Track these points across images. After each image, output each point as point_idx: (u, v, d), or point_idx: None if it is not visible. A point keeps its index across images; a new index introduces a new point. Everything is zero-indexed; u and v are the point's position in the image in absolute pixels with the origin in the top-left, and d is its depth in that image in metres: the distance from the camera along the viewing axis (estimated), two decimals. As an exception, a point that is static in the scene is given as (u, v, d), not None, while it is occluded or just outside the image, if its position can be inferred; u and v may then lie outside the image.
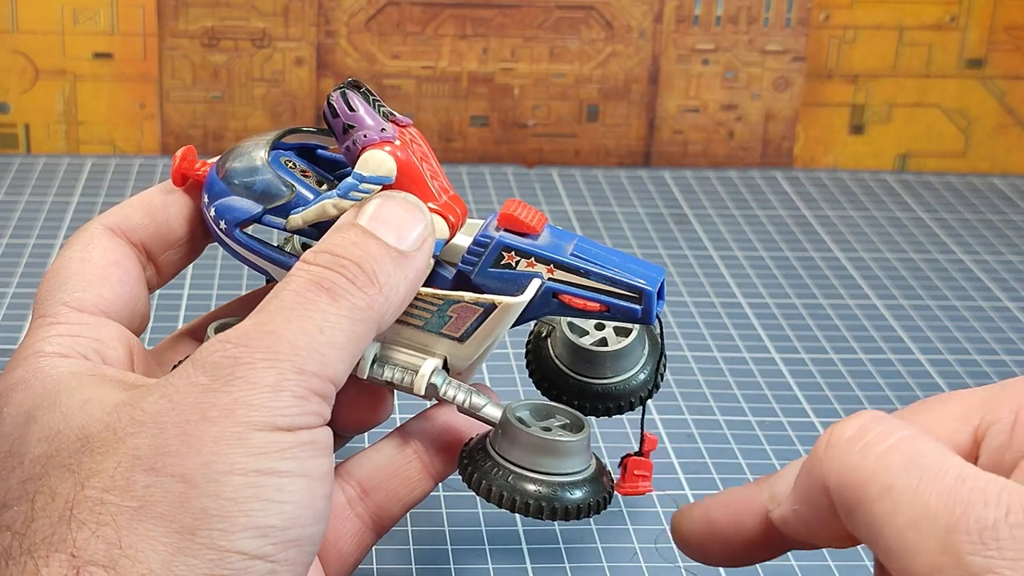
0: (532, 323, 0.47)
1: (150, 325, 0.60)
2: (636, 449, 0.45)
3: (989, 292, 0.77)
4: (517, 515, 0.54)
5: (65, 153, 0.91)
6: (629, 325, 0.46)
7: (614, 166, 0.94)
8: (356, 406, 0.43)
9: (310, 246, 0.43)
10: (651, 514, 0.55)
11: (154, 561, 0.34)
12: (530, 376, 0.47)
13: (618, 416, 0.47)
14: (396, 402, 0.57)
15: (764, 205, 0.89)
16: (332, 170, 0.45)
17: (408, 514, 0.54)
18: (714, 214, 0.87)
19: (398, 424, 0.46)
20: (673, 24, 0.92)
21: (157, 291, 0.68)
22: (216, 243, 0.44)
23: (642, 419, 0.45)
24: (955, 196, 0.92)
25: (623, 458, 0.45)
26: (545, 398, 0.46)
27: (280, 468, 0.35)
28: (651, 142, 0.94)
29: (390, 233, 0.40)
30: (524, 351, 0.47)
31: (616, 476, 0.45)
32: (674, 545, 0.49)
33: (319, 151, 0.45)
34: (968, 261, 0.81)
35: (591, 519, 0.54)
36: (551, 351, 0.47)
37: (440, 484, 0.55)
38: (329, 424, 0.38)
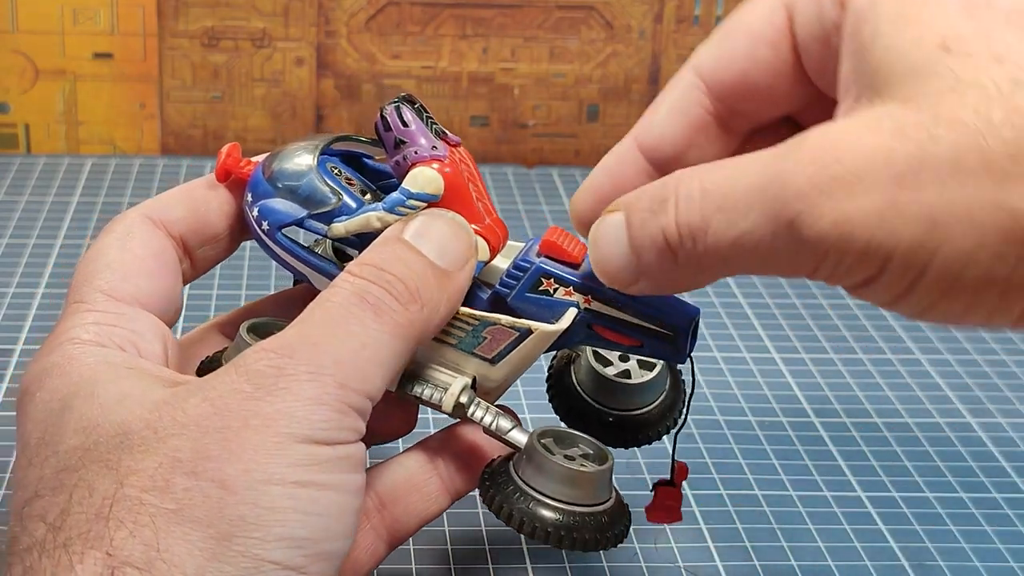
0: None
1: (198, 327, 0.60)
2: (668, 478, 0.45)
3: (989, 292, 0.77)
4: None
5: (65, 153, 0.91)
6: (653, 360, 0.46)
7: (614, 166, 0.94)
8: (384, 418, 0.43)
9: (342, 251, 0.43)
10: (651, 514, 0.55)
11: (189, 566, 0.34)
12: (550, 400, 0.47)
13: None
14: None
15: (764, 205, 0.88)
16: (377, 180, 0.45)
17: (408, 514, 0.54)
18: (714, 214, 0.87)
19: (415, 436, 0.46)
20: (673, 24, 0.92)
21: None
22: (253, 241, 0.44)
23: (673, 448, 0.45)
24: (955, 196, 0.92)
25: (655, 485, 0.45)
26: (566, 426, 0.46)
27: (317, 481, 0.35)
28: (651, 142, 0.94)
29: (434, 251, 0.40)
30: (546, 375, 0.47)
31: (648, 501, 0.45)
32: (673, 545, 0.49)
33: (365, 160, 0.45)
34: None
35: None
36: (574, 378, 0.46)
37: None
38: None
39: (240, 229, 0.44)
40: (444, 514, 0.54)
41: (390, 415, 0.44)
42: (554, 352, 0.47)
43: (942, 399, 0.65)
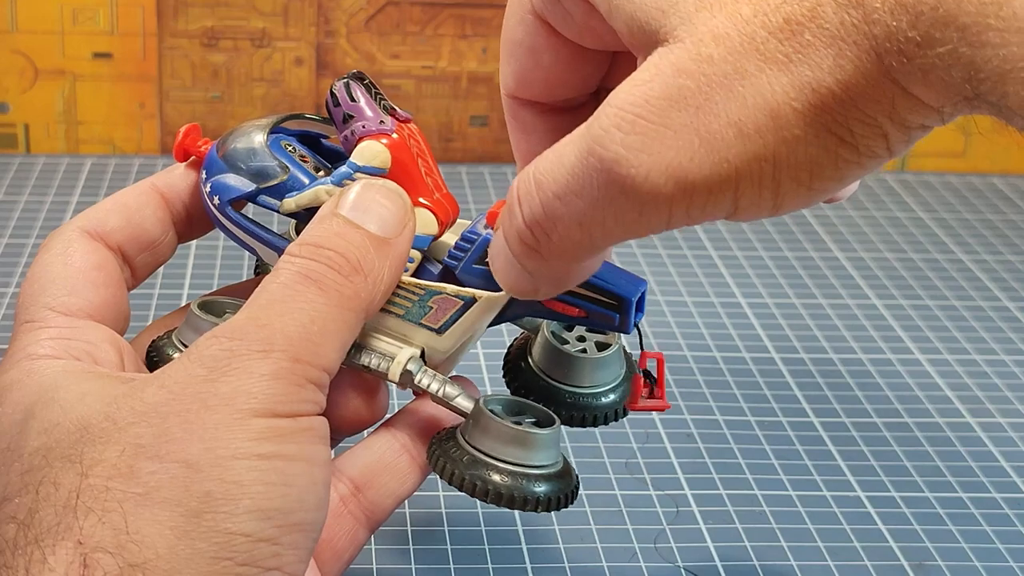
0: (512, 333, 0.47)
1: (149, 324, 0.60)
2: (645, 369, 0.45)
3: (989, 292, 0.77)
4: (515, 512, 0.54)
5: (65, 153, 0.91)
6: (610, 341, 0.46)
7: (614, 166, 0.94)
8: (349, 402, 0.43)
9: None
10: (651, 514, 0.55)
11: (160, 545, 0.34)
12: (504, 376, 0.47)
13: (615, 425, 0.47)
14: (393, 402, 0.57)
15: (764, 205, 0.88)
16: (333, 160, 0.45)
17: (408, 514, 0.54)
18: (714, 214, 0.86)
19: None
20: (673, 24, 0.91)
21: (157, 292, 0.67)
22: (210, 236, 0.45)
23: (640, 341, 0.45)
24: (955, 196, 0.92)
25: (632, 376, 0.45)
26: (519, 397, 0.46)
27: (281, 452, 0.36)
28: (651, 142, 0.94)
29: (371, 221, 0.40)
30: (503, 358, 0.48)
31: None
32: (673, 545, 0.49)
33: (323, 141, 0.46)
34: (968, 261, 0.81)
35: (591, 520, 0.54)
36: (529, 355, 0.47)
37: (440, 484, 0.55)
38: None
39: (176, 233, 0.45)
40: (444, 513, 0.54)
41: (358, 399, 0.44)
42: (511, 336, 0.47)
43: (942, 399, 0.65)
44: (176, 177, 0.45)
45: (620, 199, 0.33)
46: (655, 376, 0.45)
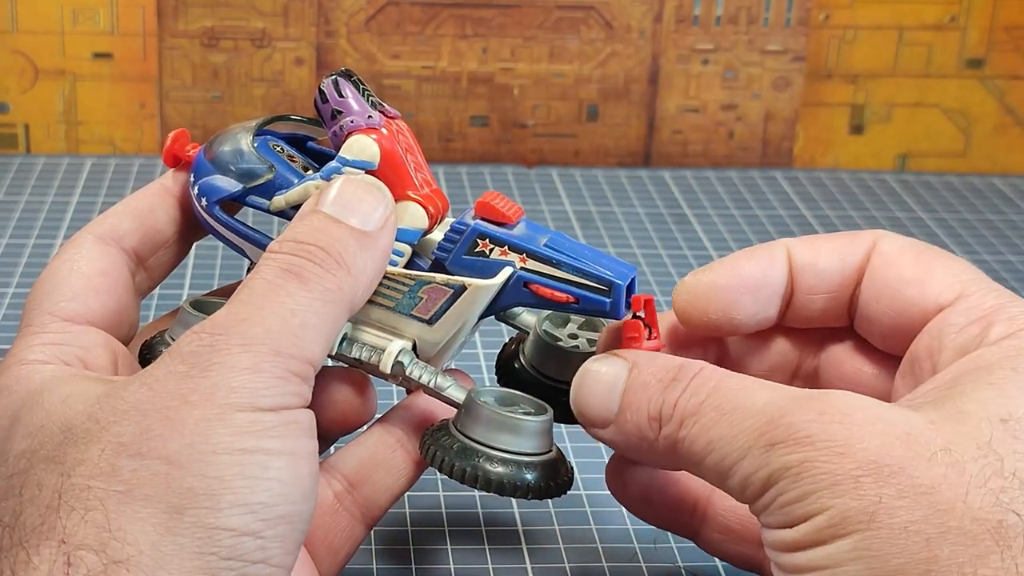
0: (511, 333, 0.47)
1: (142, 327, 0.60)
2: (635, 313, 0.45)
3: (989, 292, 0.77)
4: (516, 512, 0.54)
5: (65, 153, 0.91)
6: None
7: (614, 166, 0.94)
8: (338, 400, 0.43)
9: None
10: (651, 514, 0.55)
11: (143, 542, 0.34)
12: (496, 376, 0.47)
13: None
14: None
15: (764, 205, 0.89)
16: (321, 162, 0.46)
17: (407, 514, 0.54)
18: (714, 214, 0.87)
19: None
20: (673, 24, 0.92)
21: (157, 292, 0.67)
22: (210, 237, 0.45)
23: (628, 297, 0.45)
24: (955, 196, 0.92)
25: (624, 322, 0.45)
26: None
27: (264, 446, 0.36)
28: (651, 142, 0.94)
29: (352, 215, 0.40)
30: (495, 360, 0.48)
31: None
32: (673, 545, 0.49)
33: (309, 144, 0.46)
34: (968, 261, 0.81)
35: (591, 520, 0.54)
36: (521, 355, 0.47)
37: (440, 484, 0.55)
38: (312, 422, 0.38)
39: (188, 231, 0.46)
40: (444, 513, 0.54)
41: (346, 397, 0.44)
42: (505, 339, 0.47)
43: (942, 399, 0.65)
44: (185, 176, 0.45)
45: (756, 454, 0.36)
46: (642, 317, 0.44)
